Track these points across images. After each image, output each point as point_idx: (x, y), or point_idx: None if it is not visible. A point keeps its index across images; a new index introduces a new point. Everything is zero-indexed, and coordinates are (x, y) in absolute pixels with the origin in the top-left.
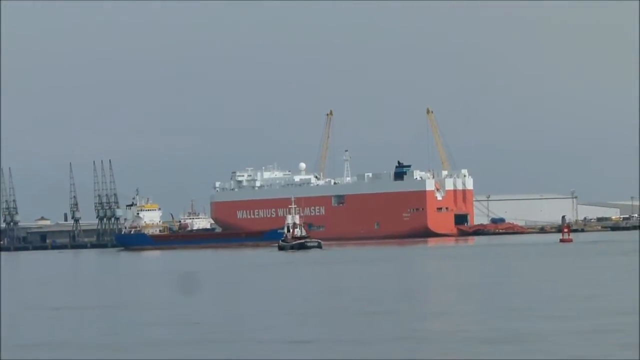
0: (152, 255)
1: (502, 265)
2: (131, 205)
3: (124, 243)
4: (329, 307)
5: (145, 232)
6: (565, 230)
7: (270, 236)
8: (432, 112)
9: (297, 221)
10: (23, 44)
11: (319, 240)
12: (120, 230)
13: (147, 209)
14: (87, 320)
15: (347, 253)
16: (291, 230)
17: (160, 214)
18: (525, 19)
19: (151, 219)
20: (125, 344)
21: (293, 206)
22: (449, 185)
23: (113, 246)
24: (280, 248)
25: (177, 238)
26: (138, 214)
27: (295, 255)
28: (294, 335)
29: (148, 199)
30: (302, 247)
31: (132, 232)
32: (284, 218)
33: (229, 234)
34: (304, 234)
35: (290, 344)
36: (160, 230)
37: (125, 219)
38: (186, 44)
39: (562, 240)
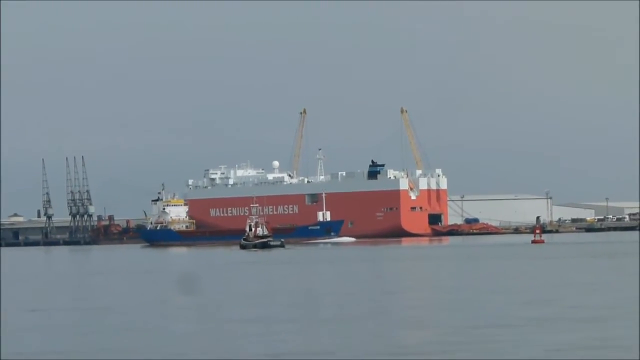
0: (178, 251)
1: (462, 269)
2: (157, 200)
3: (150, 239)
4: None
5: (172, 228)
6: (537, 231)
7: (301, 233)
8: (406, 111)
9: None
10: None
11: (282, 240)
12: (143, 225)
13: (173, 204)
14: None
15: (311, 253)
16: (253, 229)
17: (187, 209)
18: (499, 17)
19: (177, 214)
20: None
21: (255, 205)
22: (423, 184)
23: (86, 243)
24: (243, 247)
25: (204, 234)
26: (164, 209)
27: (259, 254)
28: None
29: (174, 194)
30: (265, 246)
31: (158, 228)
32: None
33: None
34: (266, 233)
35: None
36: (186, 226)
37: (151, 215)
38: (159, 43)
39: (534, 242)
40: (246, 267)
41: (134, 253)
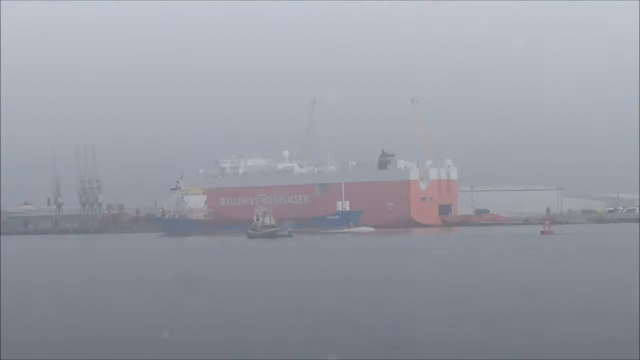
0: (196, 241)
1: (470, 260)
2: (175, 189)
3: (168, 228)
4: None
5: (190, 217)
6: (547, 222)
7: (320, 222)
8: (416, 101)
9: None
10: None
11: (290, 229)
12: (163, 214)
13: (192, 193)
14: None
15: (320, 242)
16: (261, 219)
17: (205, 199)
18: (511, 8)
19: (196, 203)
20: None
21: (263, 194)
22: (433, 175)
23: (95, 232)
24: (250, 236)
25: (223, 223)
26: (182, 198)
27: (268, 243)
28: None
29: (193, 183)
30: (273, 235)
31: (176, 217)
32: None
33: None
34: (273, 222)
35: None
36: (205, 215)
37: (169, 204)
38: (169, 33)
39: (543, 233)
40: (258, 256)
41: (153, 242)
